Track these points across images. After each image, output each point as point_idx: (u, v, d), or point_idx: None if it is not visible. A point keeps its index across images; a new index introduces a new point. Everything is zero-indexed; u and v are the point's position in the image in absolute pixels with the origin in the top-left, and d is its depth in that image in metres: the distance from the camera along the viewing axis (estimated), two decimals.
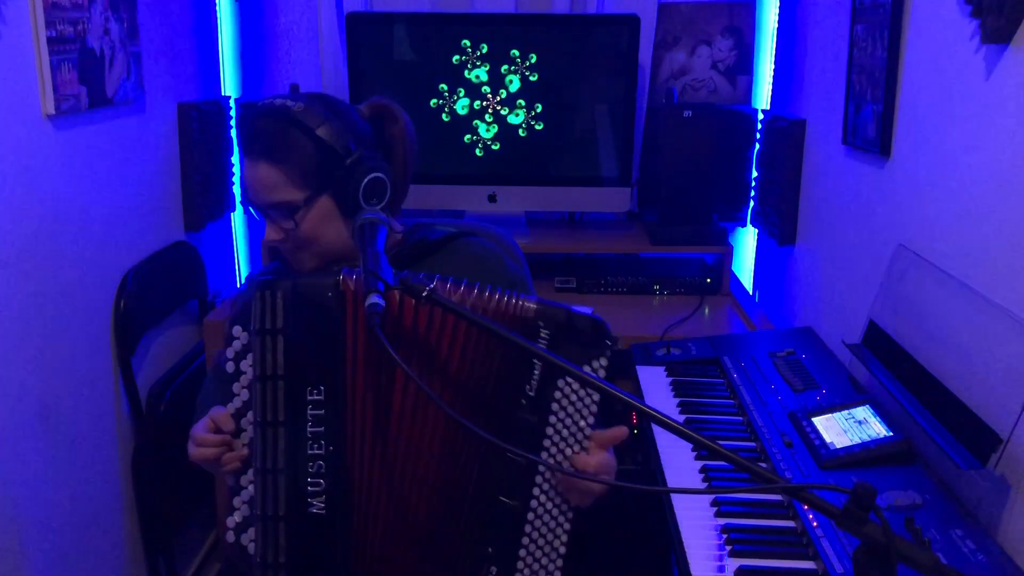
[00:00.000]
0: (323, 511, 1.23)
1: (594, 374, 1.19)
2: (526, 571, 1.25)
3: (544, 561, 1.25)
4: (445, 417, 1.22)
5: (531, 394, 1.21)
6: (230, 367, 1.26)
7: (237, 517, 1.27)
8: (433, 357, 1.22)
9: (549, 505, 1.24)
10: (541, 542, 1.24)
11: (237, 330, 1.25)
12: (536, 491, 1.23)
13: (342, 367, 1.21)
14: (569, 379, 1.20)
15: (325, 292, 1.20)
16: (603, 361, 1.20)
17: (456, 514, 1.25)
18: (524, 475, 1.23)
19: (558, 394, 1.21)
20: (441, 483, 1.25)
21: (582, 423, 1.22)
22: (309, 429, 1.22)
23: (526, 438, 1.21)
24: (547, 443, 1.22)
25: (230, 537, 1.27)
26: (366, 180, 1.32)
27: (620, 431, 1.24)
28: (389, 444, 1.23)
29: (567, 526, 1.25)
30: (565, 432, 1.22)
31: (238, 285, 2.83)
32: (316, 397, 1.22)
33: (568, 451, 1.23)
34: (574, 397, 1.21)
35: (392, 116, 1.41)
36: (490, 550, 1.24)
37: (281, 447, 1.22)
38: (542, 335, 1.21)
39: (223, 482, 1.30)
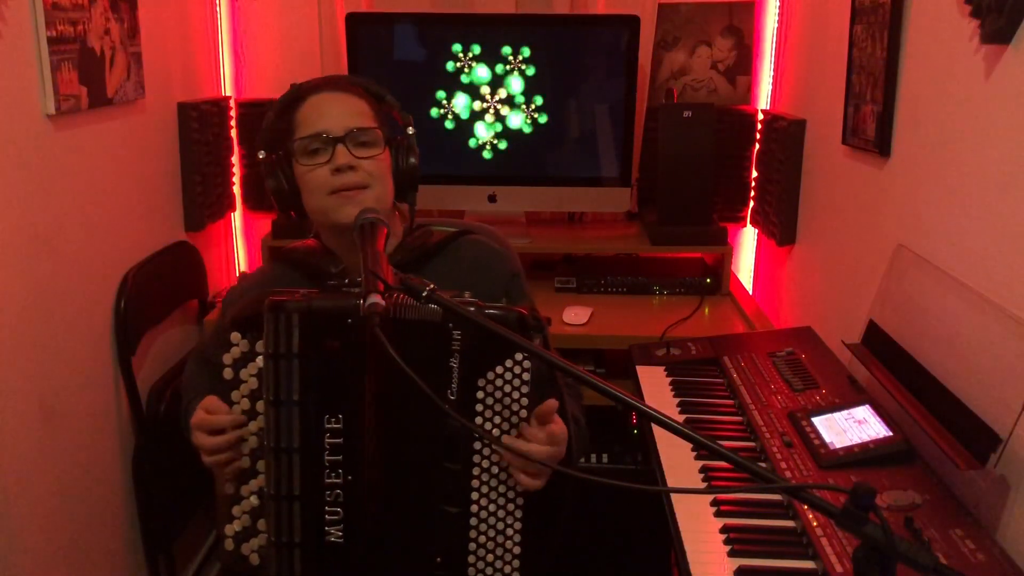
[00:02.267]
0: (341, 539, 1.21)
1: (518, 366, 1.17)
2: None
3: (498, 564, 1.24)
4: (385, 432, 1.21)
5: (452, 398, 1.19)
6: (228, 374, 1.23)
7: (236, 526, 1.26)
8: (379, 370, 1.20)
9: (492, 508, 1.22)
10: (491, 545, 1.23)
11: (235, 336, 1.22)
12: (475, 495, 1.22)
13: (361, 394, 1.19)
14: (490, 376, 1.18)
15: (345, 318, 1.17)
16: (520, 356, 1.17)
17: (404, 528, 1.24)
18: (461, 481, 1.21)
19: (481, 393, 1.19)
20: (398, 497, 1.24)
21: (513, 418, 1.20)
22: (327, 457, 1.20)
23: (455, 442, 1.20)
24: (478, 444, 1.21)
25: (228, 545, 1.26)
26: (411, 159, 1.42)
27: (550, 403, 1.20)
28: (389, 463, 1.22)
29: (517, 525, 1.23)
30: (496, 431, 1.20)
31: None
32: (334, 425, 1.19)
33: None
34: (499, 394, 1.19)
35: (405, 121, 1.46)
36: (439, 560, 1.23)
37: (296, 474, 1.20)
38: (455, 336, 1.18)
39: (221, 483, 1.29)
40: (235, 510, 1.26)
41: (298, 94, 1.40)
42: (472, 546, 1.23)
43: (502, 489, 1.22)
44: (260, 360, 1.22)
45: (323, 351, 1.18)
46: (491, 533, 1.23)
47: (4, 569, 1.62)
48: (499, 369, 1.18)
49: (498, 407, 1.19)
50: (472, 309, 1.15)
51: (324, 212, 1.36)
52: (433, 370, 1.18)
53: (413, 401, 1.18)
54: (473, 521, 1.22)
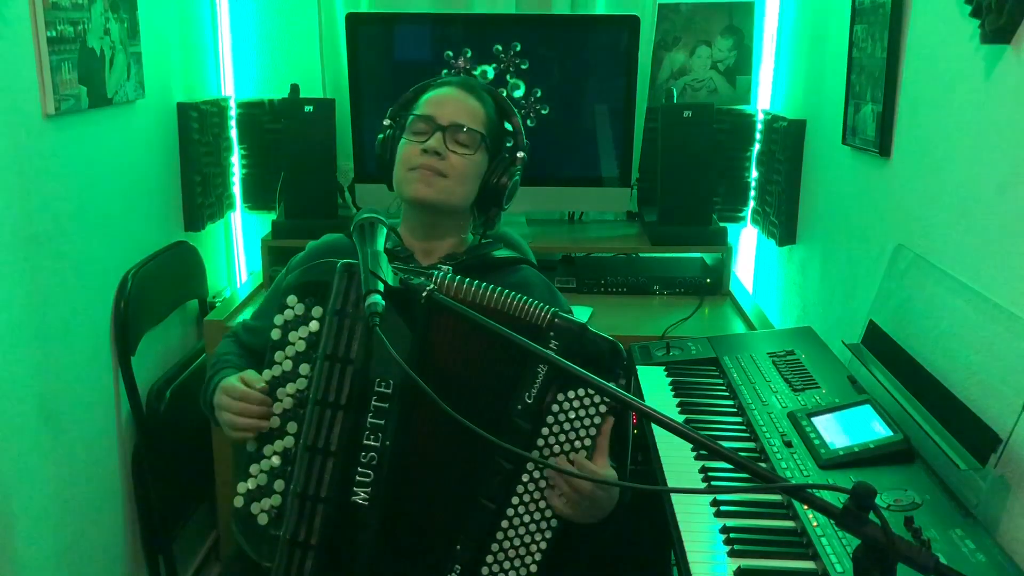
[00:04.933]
0: (365, 501, 1.23)
1: (599, 395, 1.20)
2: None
3: (512, 574, 1.25)
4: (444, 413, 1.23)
5: (528, 401, 1.21)
6: (276, 334, 1.26)
7: (251, 484, 1.27)
8: (437, 350, 1.23)
9: (527, 518, 1.23)
10: (512, 553, 1.24)
11: (292, 299, 1.26)
12: (516, 500, 1.23)
13: (418, 366, 1.21)
14: (571, 395, 1.21)
15: (418, 293, 1.19)
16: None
17: (437, 506, 1.26)
18: (508, 481, 1.23)
19: (556, 407, 1.21)
20: (442, 476, 1.26)
21: (577, 442, 1.21)
22: (370, 419, 1.22)
23: (515, 443, 1.21)
24: (535, 453, 1.22)
25: (239, 502, 1.27)
26: (513, 181, 1.48)
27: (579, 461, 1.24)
28: (427, 440, 1.25)
29: (543, 544, 1.24)
30: (557, 447, 1.21)
31: (239, 285, 2.83)
32: (383, 390, 1.22)
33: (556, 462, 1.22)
34: (573, 415, 1.21)
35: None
36: (458, 547, 1.25)
37: (336, 430, 1.22)
38: (551, 344, 1.21)
39: (226, 442, 1.30)
40: (253, 468, 1.27)
41: (439, 79, 1.53)
42: (494, 546, 1.24)
43: (543, 504, 1.23)
44: (313, 324, 1.25)
45: (389, 319, 1.19)
46: (516, 542, 1.24)
47: (4, 569, 1.62)
48: (580, 392, 1.21)
49: (567, 426, 1.22)
50: (567, 324, 1.21)
51: (399, 184, 1.46)
52: (520, 371, 1.21)
53: (483, 391, 1.21)
54: (504, 523, 1.23)
